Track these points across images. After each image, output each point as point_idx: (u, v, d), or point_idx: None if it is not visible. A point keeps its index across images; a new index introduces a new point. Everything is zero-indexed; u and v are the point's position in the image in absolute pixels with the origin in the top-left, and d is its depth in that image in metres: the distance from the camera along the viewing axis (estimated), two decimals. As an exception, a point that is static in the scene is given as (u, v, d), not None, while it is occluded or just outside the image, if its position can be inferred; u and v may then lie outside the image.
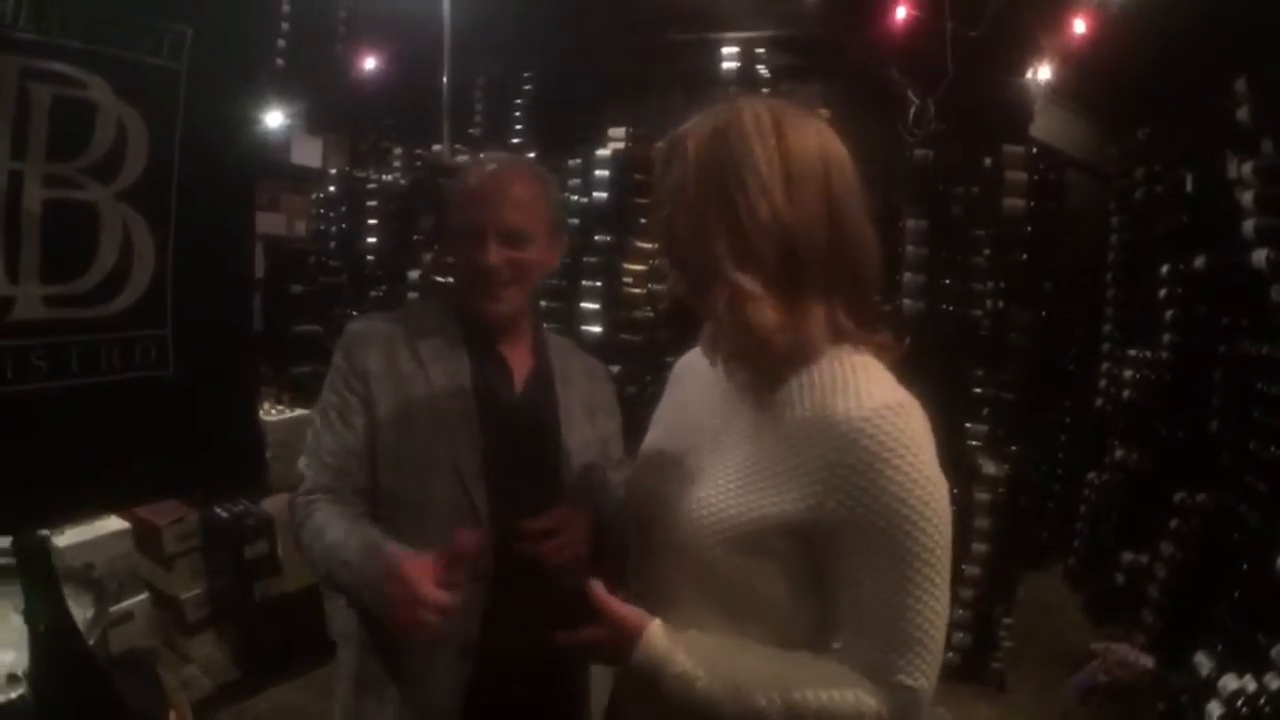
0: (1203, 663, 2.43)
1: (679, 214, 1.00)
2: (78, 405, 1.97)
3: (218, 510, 2.94)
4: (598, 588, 1.05)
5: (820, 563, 0.97)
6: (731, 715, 0.98)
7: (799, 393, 0.98)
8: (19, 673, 1.16)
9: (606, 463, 1.54)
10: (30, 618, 1.10)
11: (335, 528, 1.31)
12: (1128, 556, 3.10)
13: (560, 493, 1.43)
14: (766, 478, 0.98)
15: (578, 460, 1.48)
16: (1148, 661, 2.68)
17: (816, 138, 0.99)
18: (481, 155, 1.61)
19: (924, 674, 0.96)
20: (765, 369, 1.01)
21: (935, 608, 0.95)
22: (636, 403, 3.89)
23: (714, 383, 1.10)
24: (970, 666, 3.13)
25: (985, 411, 3.15)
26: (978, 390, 3.16)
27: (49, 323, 2.10)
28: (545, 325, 1.63)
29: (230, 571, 2.83)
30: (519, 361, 1.51)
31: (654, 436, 1.22)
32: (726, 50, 4.15)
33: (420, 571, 1.13)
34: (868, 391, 0.95)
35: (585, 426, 1.51)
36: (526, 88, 4.95)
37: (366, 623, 1.40)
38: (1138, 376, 3.15)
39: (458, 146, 4.49)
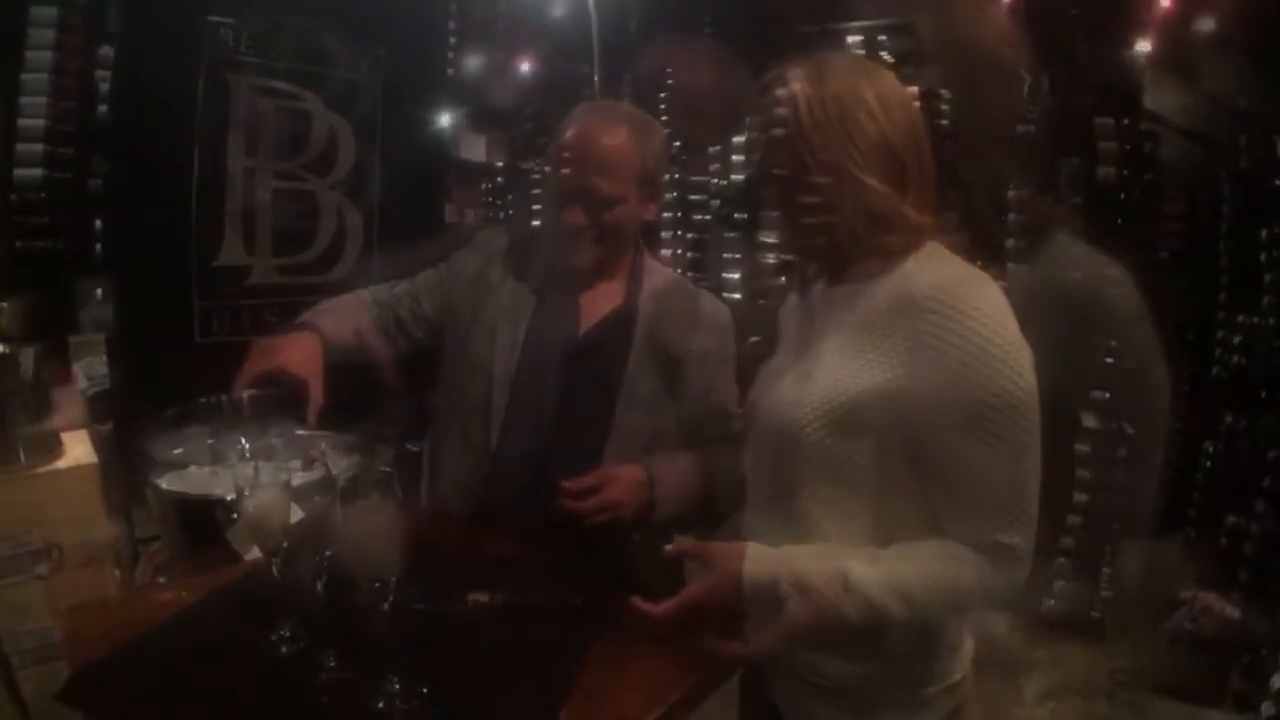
0: (1287, 615, 2.49)
1: (792, 144, 1.09)
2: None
3: (408, 446, 3.52)
4: (682, 543, 1.14)
5: (916, 435, 1.02)
6: (851, 614, 1.00)
7: (884, 284, 1.07)
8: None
9: (704, 411, 1.56)
10: None
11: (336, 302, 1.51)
12: (1230, 519, 3.13)
13: (593, 427, 1.49)
14: (856, 358, 1.05)
15: (642, 405, 1.51)
16: (1234, 612, 2.75)
17: (887, 74, 1.15)
18: (585, 106, 1.54)
19: (1018, 531, 0.98)
20: (867, 269, 1.09)
21: (1026, 467, 0.98)
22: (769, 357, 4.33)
23: (806, 309, 1.22)
24: (1070, 614, 3.25)
25: (1095, 375, 3.27)
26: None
27: (280, 286, 2.71)
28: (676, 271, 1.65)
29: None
30: (599, 303, 1.54)
31: (766, 364, 1.30)
32: (851, 39, 4.37)
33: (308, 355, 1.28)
34: (936, 269, 1.05)
35: (665, 371, 1.51)
36: (668, 82, 5.32)
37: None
38: (1245, 342, 3.17)
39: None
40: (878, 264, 1.09)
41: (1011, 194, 1.04)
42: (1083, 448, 3.18)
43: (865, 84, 1.10)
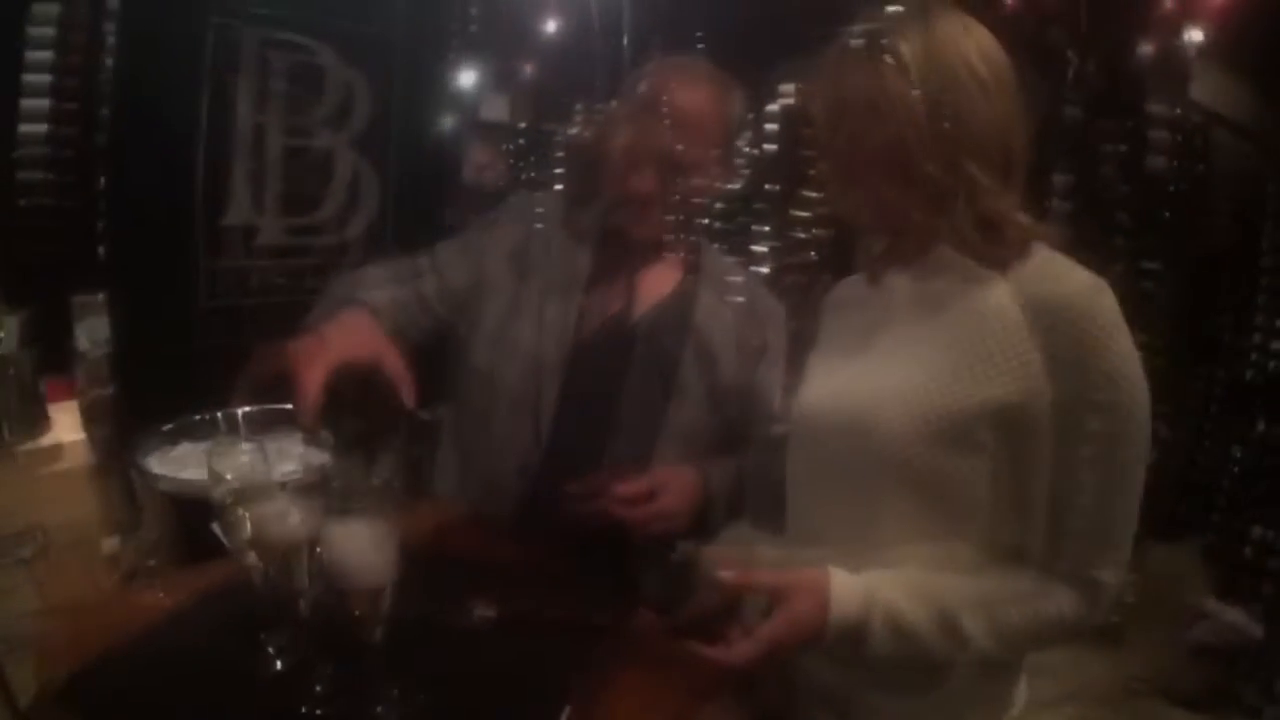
0: (1309, 634, 2.43)
1: (884, 122, 0.93)
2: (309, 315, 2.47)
3: (420, 415, 3.47)
4: (749, 574, 0.96)
5: (1027, 458, 0.92)
6: (937, 646, 0.93)
7: (1001, 286, 0.94)
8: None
9: (752, 410, 1.42)
10: None
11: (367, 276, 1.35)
12: (1257, 531, 3.06)
13: (650, 423, 1.37)
14: (975, 366, 0.92)
15: (696, 400, 1.38)
16: (1255, 628, 2.69)
17: (994, 41, 0.98)
18: (658, 61, 1.37)
19: (1117, 571, 0.92)
20: (972, 269, 0.96)
21: (1134, 502, 0.91)
22: (799, 338, 4.23)
23: (881, 300, 1.08)
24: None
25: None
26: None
27: (289, 248, 2.62)
28: (725, 254, 1.51)
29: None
30: (654, 284, 1.41)
31: (822, 358, 1.16)
32: (890, 9, 4.20)
33: (309, 363, 1.09)
34: (1067, 274, 0.92)
35: (724, 366, 1.40)
36: (699, 46, 5.18)
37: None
38: (1285, 348, 3.08)
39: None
40: (1013, 238, 0.96)
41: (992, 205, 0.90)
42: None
43: (978, 57, 0.94)
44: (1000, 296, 0.94)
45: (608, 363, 1.38)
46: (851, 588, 0.94)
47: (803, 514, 1.11)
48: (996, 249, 0.95)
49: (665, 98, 1.29)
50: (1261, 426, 3.25)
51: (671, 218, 1.35)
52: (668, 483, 1.27)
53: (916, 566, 0.97)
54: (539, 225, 1.44)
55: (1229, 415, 3.67)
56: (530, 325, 1.37)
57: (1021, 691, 1.08)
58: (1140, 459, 0.91)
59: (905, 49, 0.93)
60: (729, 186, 1.41)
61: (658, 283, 1.42)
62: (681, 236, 1.42)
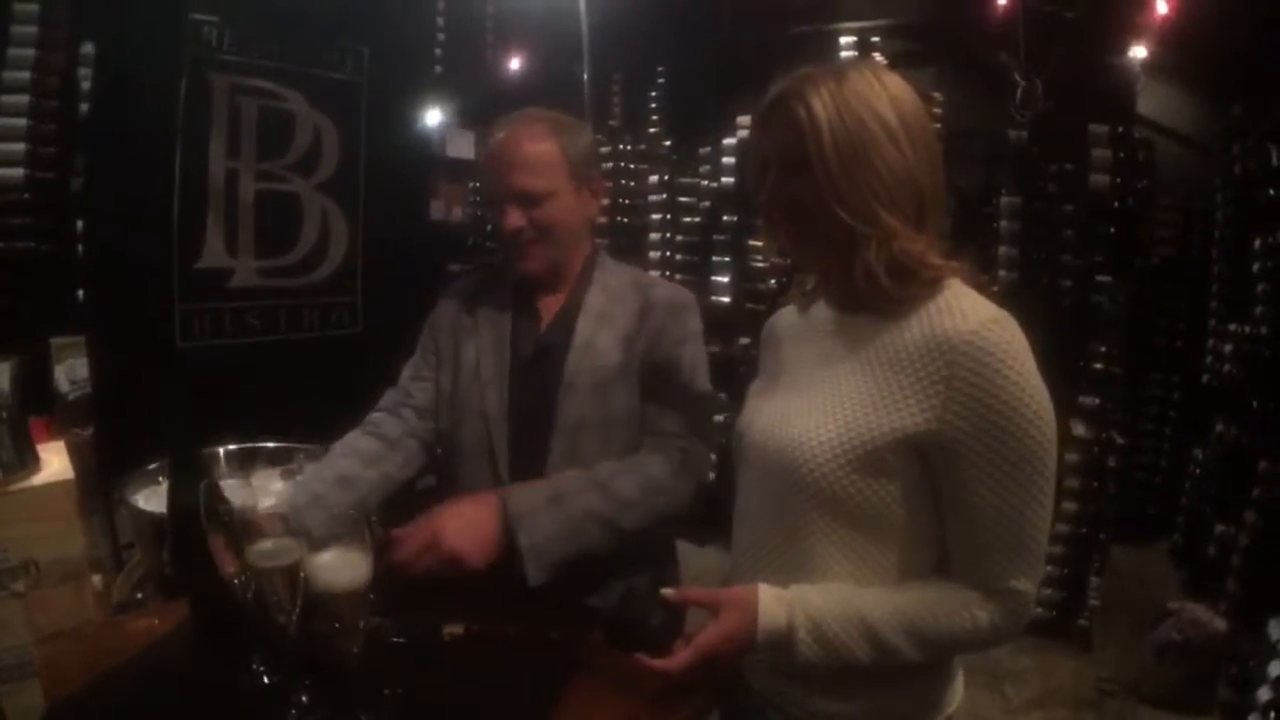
0: (1275, 628, 2.43)
1: (800, 174, 1.02)
2: (282, 355, 2.50)
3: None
4: (687, 591, 1.06)
5: (938, 479, 1.00)
6: (861, 653, 1.01)
7: (911, 321, 1.01)
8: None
9: (656, 391, 1.50)
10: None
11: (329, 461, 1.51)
12: (1219, 528, 3.14)
13: (564, 429, 1.48)
14: (884, 398, 1.01)
15: (584, 394, 1.48)
16: (1220, 623, 2.75)
17: (908, 88, 1.04)
18: (503, 117, 1.56)
19: (1031, 578, 0.99)
20: (886, 307, 1.03)
21: (1043, 514, 0.98)
22: (756, 377, 4.26)
23: (811, 332, 1.16)
24: (1058, 623, 3.26)
25: (1085, 382, 3.29)
26: (1081, 363, 3.30)
27: (262, 289, 2.65)
28: (621, 263, 1.64)
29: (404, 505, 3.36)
30: (552, 308, 1.55)
31: (760, 387, 1.24)
32: (844, 40, 4.34)
33: None
34: (971, 310, 0.98)
35: (610, 356, 1.48)
36: (659, 81, 5.29)
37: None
38: (1238, 351, 3.18)
39: (598, 137, 4.90)
40: (927, 280, 1.03)
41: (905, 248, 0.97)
42: (1072, 456, 3.20)
43: (889, 106, 1.01)
44: (912, 331, 1.02)
45: (536, 398, 1.50)
46: (778, 601, 1.03)
47: (743, 532, 1.19)
48: (908, 289, 1.02)
49: (509, 144, 1.46)
50: (1219, 428, 3.34)
51: (549, 249, 1.49)
52: (443, 525, 1.29)
53: (842, 581, 1.06)
54: (468, 299, 1.59)
55: (1188, 419, 3.80)
56: (474, 383, 1.51)
57: (956, 692, 1.15)
58: (1045, 475, 0.98)
59: (817, 104, 1.01)
60: (604, 210, 1.53)
61: (560, 301, 1.55)
62: (569, 263, 1.55)
